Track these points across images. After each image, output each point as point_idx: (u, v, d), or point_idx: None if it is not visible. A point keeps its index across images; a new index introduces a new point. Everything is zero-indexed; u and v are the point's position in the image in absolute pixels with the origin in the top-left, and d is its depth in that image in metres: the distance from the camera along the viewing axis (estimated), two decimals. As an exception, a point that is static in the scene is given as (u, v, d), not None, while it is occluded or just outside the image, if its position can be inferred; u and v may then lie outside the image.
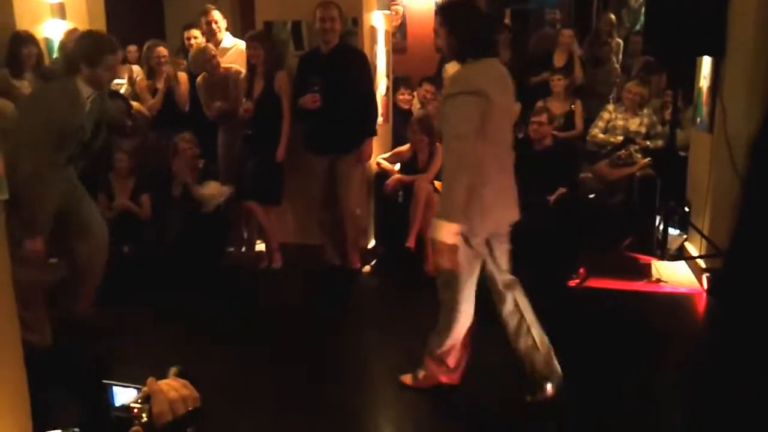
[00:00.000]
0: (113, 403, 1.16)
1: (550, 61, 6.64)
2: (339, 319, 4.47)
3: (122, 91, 6.15)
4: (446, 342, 3.32)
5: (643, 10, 6.61)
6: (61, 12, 5.79)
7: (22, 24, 5.50)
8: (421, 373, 3.44)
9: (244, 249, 5.62)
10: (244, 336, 4.17)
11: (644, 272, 4.98)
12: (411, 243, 5.06)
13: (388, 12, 5.75)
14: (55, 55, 5.44)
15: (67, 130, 3.57)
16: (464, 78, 3.07)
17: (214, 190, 5.26)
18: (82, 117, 3.65)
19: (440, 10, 3.21)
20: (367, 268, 5.27)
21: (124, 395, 1.16)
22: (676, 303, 4.63)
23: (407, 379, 3.48)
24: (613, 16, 7.34)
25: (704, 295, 4.66)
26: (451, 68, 3.15)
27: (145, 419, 1.08)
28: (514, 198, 3.30)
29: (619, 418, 3.26)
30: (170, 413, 1.08)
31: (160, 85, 5.73)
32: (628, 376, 3.60)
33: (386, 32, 5.72)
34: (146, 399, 1.09)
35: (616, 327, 4.23)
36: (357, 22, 5.26)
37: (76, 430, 1.29)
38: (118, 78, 6.27)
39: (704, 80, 5.03)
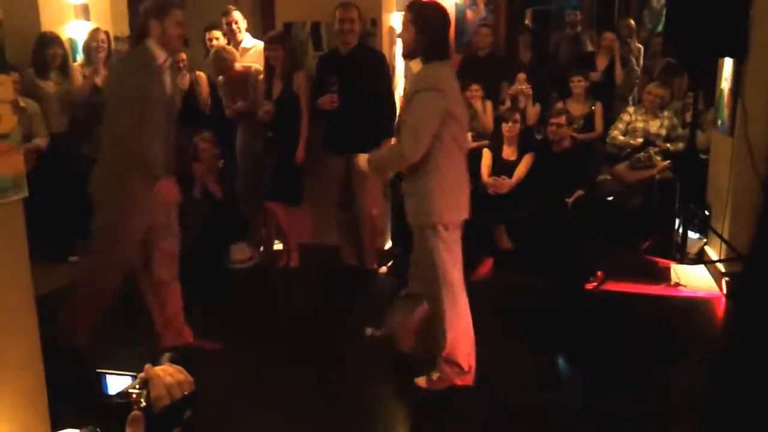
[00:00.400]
0: (107, 391, 1.19)
1: (592, 63, 6.62)
2: (354, 319, 4.48)
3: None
4: (449, 340, 3.33)
5: (664, 11, 6.55)
6: (85, 13, 5.86)
7: (47, 25, 5.58)
8: (435, 375, 3.44)
9: (261, 248, 5.65)
10: (258, 335, 4.19)
11: (663, 276, 4.93)
12: None
13: (407, 13, 5.75)
14: (79, 55, 5.51)
15: (148, 96, 3.40)
16: (426, 77, 3.22)
17: (243, 256, 5.29)
18: (162, 82, 3.50)
19: (413, 8, 3.29)
20: (383, 269, 5.27)
21: (117, 383, 1.18)
22: (695, 307, 4.58)
23: (421, 381, 3.49)
24: (632, 21, 7.27)
25: (724, 299, 4.61)
26: (415, 66, 3.31)
27: (143, 404, 1.10)
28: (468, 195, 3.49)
29: (637, 421, 3.24)
30: (168, 397, 1.11)
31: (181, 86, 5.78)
32: (646, 380, 3.57)
33: (405, 33, 5.72)
34: (144, 384, 1.12)
35: (634, 331, 4.20)
36: (376, 23, 5.28)
37: (97, 429, 1.32)
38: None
39: (725, 82, 4.98)
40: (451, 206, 3.28)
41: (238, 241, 5.32)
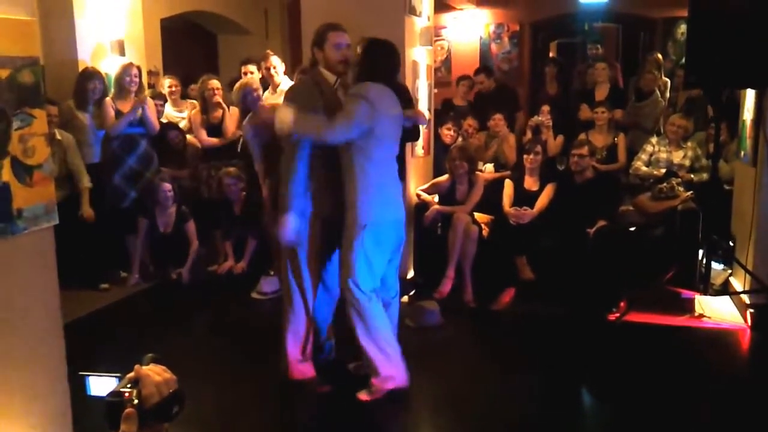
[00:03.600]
0: (89, 393, 1.27)
1: (591, 95, 6.68)
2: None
3: (182, 124, 6.43)
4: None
5: (687, 42, 6.57)
6: (120, 49, 6.10)
7: (85, 60, 5.83)
8: None
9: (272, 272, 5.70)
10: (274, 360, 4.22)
11: (687, 307, 4.90)
12: (447, 284, 5.13)
13: (430, 48, 5.87)
14: (112, 89, 5.72)
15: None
16: (364, 87, 3.49)
17: (270, 288, 5.31)
18: (335, 103, 3.59)
19: (367, 41, 3.61)
20: (405, 299, 5.30)
21: (99, 384, 1.27)
22: (719, 339, 4.53)
23: None
24: (660, 56, 7.31)
25: (748, 331, 4.56)
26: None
27: (136, 401, 1.18)
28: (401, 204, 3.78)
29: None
30: (158, 395, 1.20)
31: (213, 119, 5.97)
32: (669, 412, 3.53)
33: (428, 67, 5.83)
34: (134, 383, 1.20)
35: (657, 362, 4.16)
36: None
37: None
38: (180, 111, 6.56)
39: (748, 113, 4.97)
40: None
41: (268, 275, 5.36)
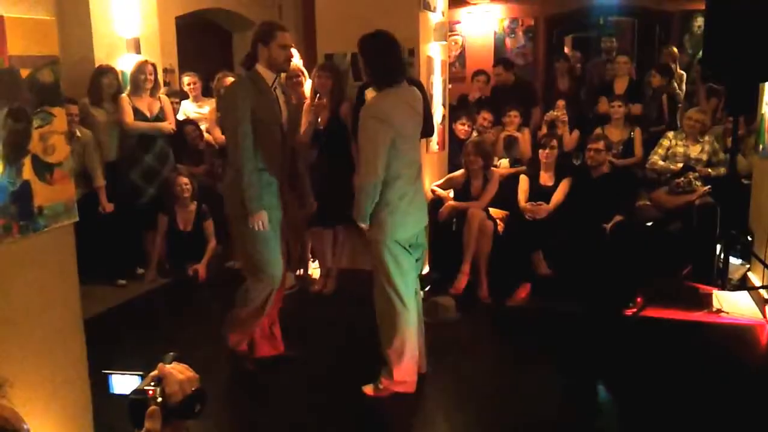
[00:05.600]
0: (112, 391, 1.29)
1: (610, 89, 6.64)
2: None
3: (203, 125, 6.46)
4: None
5: (705, 35, 6.51)
6: (136, 46, 6.13)
7: (101, 58, 5.86)
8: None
9: (299, 272, 5.74)
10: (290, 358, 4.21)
11: (704, 302, 4.87)
12: (463, 280, 5.14)
13: (444, 43, 5.86)
14: (128, 86, 5.75)
15: (260, 116, 3.58)
16: (371, 106, 3.44)
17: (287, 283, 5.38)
18: (273, 102, 3.68)
19: (359, 42, 3.48)
20: (421, 294, 5.29)
21: (122, 382, 1.28)
22: (737, 334, 4.50)
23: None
24: (675, 49, 7.24)
25: (767, 326, 4.53)
26: (370, 93, 3.50)
27: (159, 399, 1.20)
28: (424, 204, 3.71)
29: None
30: (181, 393, 1.21)
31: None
32: (687, 408, 3.52)
33: (442, 62, 5.83)
34: (158, 382, 1.22)
35: (675, 358, 4.15)
36: (414, 52, 5.39)
37: None
38: (201, 107, 6.57)
39: (766, 106, 4.93)
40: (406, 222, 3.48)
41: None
